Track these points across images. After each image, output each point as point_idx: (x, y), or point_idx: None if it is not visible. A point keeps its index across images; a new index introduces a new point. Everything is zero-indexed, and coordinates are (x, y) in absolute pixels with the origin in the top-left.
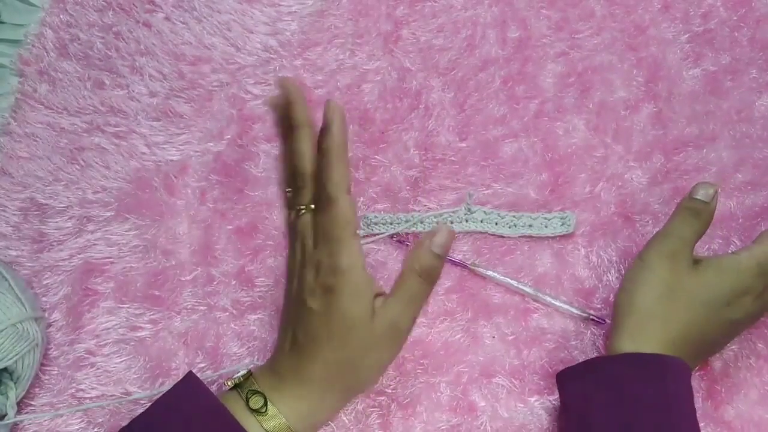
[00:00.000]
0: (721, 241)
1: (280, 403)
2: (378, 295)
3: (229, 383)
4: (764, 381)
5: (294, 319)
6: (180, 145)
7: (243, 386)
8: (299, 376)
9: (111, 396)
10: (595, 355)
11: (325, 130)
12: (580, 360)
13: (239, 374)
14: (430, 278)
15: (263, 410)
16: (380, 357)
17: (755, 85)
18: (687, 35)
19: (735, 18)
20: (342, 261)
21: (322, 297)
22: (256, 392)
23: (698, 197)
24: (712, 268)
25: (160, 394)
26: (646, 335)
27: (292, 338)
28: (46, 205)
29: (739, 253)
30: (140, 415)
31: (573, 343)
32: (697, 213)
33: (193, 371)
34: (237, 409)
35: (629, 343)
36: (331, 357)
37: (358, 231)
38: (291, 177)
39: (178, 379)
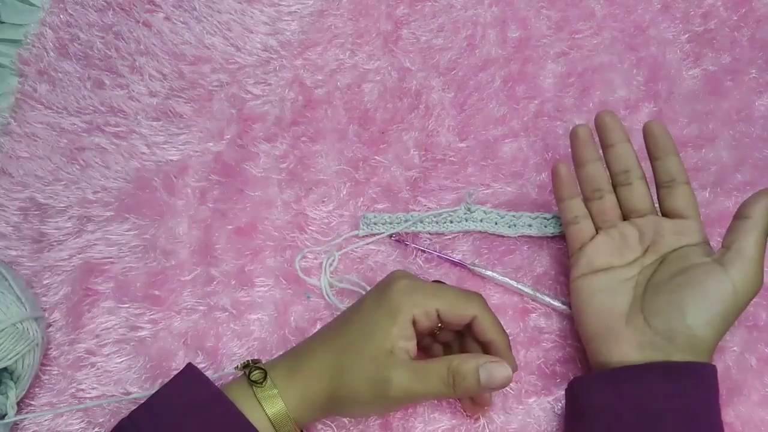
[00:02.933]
0: (720, 239)
1: (278, 380)
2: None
3: (239, 366)
4: (765, 383)
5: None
6: (180, 145)
7: (248, 366)
8: (299, 360)
9: (111, 396)
10: None
11: None
12: (578, 360)
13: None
14: (459, 392)
15: (261, 382)
16: (366, 395)
17: (755, 85)
18: (687, 35)
19: (735, 18)
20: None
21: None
22: (258, 368)
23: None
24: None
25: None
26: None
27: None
28: (46, 204)
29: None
30: (141, 406)
31: (571, 342)
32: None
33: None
34: (239, 398)
35: (650, 355)
36: (330, 356)
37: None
38: None
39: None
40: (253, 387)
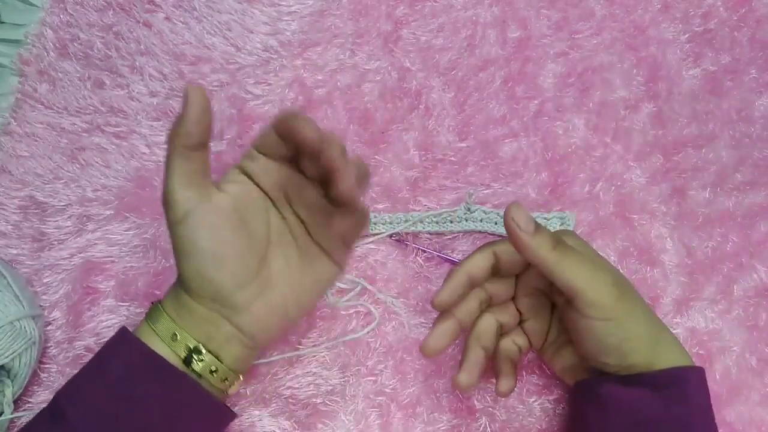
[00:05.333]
0: (720, 239)
1: (167, 305)
2: None
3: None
4: (765, 383)
5: None
6: None
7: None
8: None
9: None
10: None
11: None
12: None
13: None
14: None
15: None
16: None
17: (755, 85)
18: (687, 35)
19: (735, 18)
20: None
21: None
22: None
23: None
24: None
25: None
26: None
27: None
28: (46, 203)
29: None
30: (69, 380)
31: None
32: None
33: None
34: (146, 336)
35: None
36: None
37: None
38: None
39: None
40: (147, 320)
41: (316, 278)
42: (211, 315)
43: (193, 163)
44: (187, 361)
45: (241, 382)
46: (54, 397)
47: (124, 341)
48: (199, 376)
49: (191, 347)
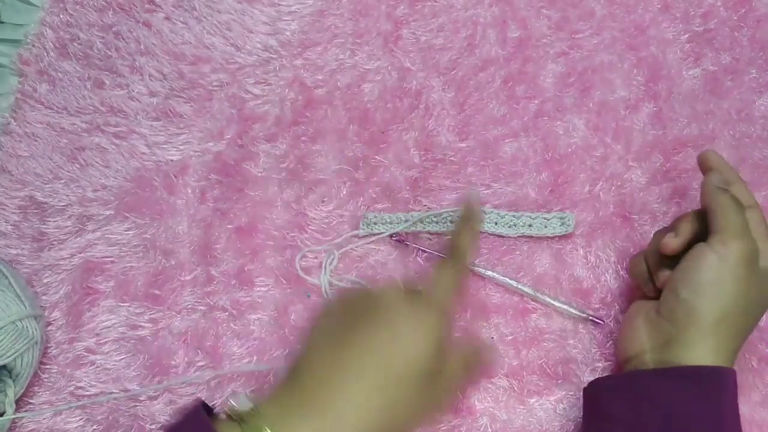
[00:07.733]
0: None
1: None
2: None
3: (227, 410)
4: (766, 383)
5: None
6: (180, 144)
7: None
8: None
9: (110, 393)
10: (593, 353)
11: None
12: (579, 360)
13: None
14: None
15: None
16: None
17: (755, 85)
18: (687, 35)
19: (735, 18)
20: None
21: None
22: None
23: (719, 184)
24: None
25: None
26: (705, 346)
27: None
28: (45, 203)
29: None
30: None
31: (571, 342)
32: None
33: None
34: None
35: (683, 353)
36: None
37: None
38: None
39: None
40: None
41: None
42: None
43: None
44: None
45: None
46: None
47: None
48: None
49: None
